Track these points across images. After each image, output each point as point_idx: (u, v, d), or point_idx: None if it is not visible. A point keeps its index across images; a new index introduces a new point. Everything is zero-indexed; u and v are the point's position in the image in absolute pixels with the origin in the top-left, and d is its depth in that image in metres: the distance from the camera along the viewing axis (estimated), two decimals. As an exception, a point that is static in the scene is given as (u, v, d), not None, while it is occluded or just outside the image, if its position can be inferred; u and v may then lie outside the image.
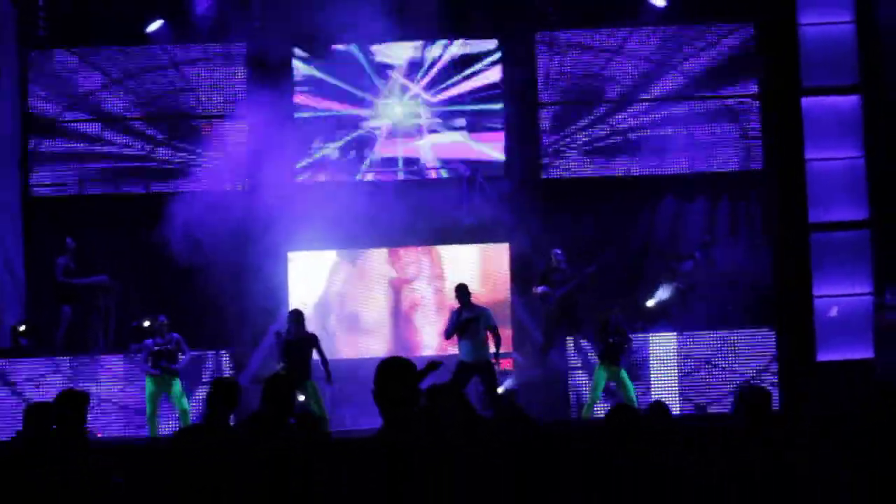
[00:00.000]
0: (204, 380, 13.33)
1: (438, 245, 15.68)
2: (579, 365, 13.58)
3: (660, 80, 15.76)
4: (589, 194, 15.70)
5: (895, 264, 12.78)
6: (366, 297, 15.74)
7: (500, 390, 12.86)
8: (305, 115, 15.99)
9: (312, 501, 5.45)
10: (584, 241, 15.01)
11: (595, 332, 13.01)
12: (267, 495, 5.44)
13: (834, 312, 12.55)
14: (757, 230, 15.22)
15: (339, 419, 13.11)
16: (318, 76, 16.05)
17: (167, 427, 12.74)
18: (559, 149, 15.92)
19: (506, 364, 14.43)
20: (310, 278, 15.59)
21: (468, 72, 16.11)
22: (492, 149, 16.05)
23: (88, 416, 6.52)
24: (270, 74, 15.46)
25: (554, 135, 15.91)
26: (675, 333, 13.68)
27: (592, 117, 15.93)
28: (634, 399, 12.41)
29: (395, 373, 4.48)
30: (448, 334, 12.36)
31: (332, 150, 16.00)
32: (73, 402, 6.28)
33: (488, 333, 12.21)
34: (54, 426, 6.17)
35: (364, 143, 16.09)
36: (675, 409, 12.84)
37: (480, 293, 14.64)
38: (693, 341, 13.61)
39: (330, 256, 15.77)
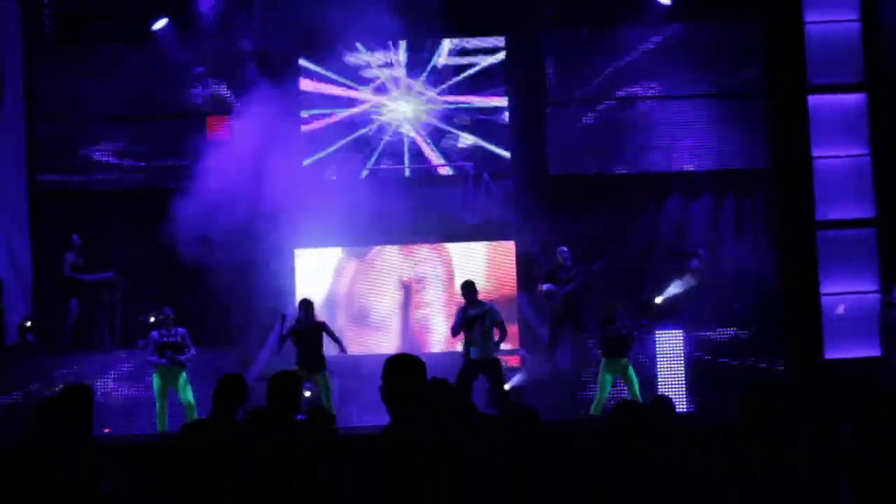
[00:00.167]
0: (210, 376, 13.31)
1: (444, 242, 15.70)
2: (585, 363, 13.58)
3: (665, 78, 15.75)
4: (595, 192, 15.70)
5: (901, 262, 12.78)
6: (373, 294, 15.77)
7: (507, 387, 12.85)
8: (311, 112, 16.01)
9: (317, 498, 5.45)
10: (590, 239, 14.99)
11: (600, 322, 12.91)
12: (271, 491, 5.45)
13: (841, 310, 12.52)
14: (762, 228, 15.21)
15: (346, 416, 13.11)
16: (323, 73, 16.06)
17: (175, 424, 12.74)
18: (565, 147, 15.92)
19: (513, 361, 14.46)
20: (316, 275, 15.61)
21: (474, 70, 16.11)
22: (498, 146, 16.05)
23: (93, 412, 6.45)
24: (276, 72, 15.49)
25: (560, 132, 15.92)
26: (681, 331, 13.66)
27: (598, 115, 15.94)
28: (639, 395, 12.38)
29: (403, 369, 4.48)
30: (455, 331, 12.36)
31: (337, 147, 16.02)
32: (77, 398, 6.09)
33: (496, 330, 12.19)
34: (58, 424, 6.03)
35: (370, 141, 16.11)
36: (681, 407, 12.85)
37: (486, 290, 14.67)
38: (699, 339, 13.59)
39: (336, 253, 15.79)
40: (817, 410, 10.11)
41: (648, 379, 13.14)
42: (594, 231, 15.20)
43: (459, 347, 12.46)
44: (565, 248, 14.19)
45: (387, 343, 15.40)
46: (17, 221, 15.19)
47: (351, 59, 16.06)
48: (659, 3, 15.61)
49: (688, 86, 15.71)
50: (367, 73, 16.10)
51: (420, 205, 14.98)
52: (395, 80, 16.11)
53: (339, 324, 15.17)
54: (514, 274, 15.59)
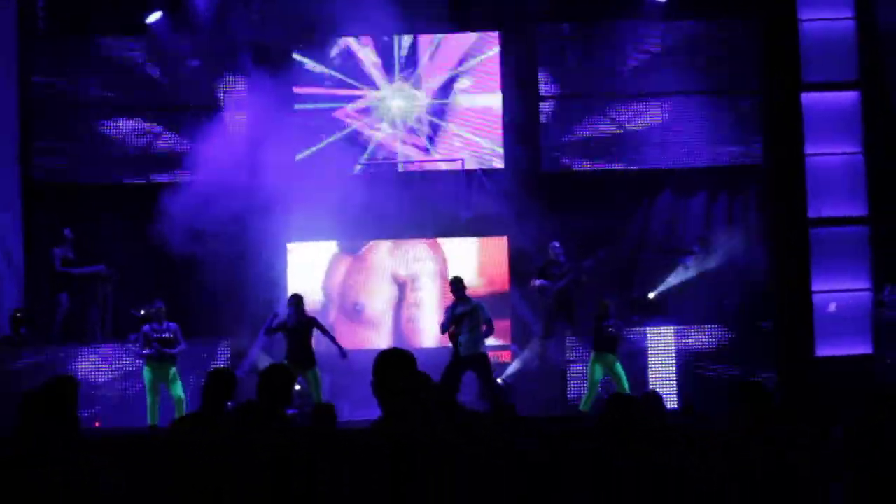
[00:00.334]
0: (201, 370, 13.31)
1: (437, 237, 15.69)
2: (576, 358, 13.61)
3: (660, 75, 15.74)
4: (588, 188, 15.72)
5: (894, 260, 12.79)
6: (365, 289, 15.76)
7: (499, 381, 12.87)
8: (305, 106, 15.99)
9: (309, 493, 5.44)
10: (583, 235, 15.00)
11: (593, 319, 12.95)
12: (262, 486, 5.43)
13: (833, 308, 12.53)
14: (755, 225, 15.22)
15: (337, 411, 13.03)
16: (317, 68, 16.04)
17: (166, 417, 12.72)
18: (558, 143, 15.92)
19: (504, 356, 14.48)
20: (309, 269, 15.59)
21: (468, 65, 16.10)
22: (491, 142, 16.04)
23: (79, 404, 6.37)
24: (270, 65, 15.46)
25: (553, 128, 15.92)
26: (672, 327, 13.69)
27: (592, 111, 15.94)
28: (628, 390, 12.41)
29: (394, 364, 4.47)
30: (444, 329, 12.37)
31: (331, 141, 16.00)
32: (62, 389, 5.75)
33: (484, 326, 12.20)
34: (43, 416, 5.89)
35: (363, 135, 16.09)
36: (671, 403, 12.88)
37: (479, 286, 14.67)
38: (691, 335, 13.61)
39: (329, 247, 15.77)
40: (808, 409, 10.13)
41: (637, 373, 13.18)
42: (587, 227, 15.19)
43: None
44: (557, 244, 14.20)
45: (378, 338, 15.39)
46: (10, 212, 15.15)
47: (345, 53, 16.03)
48: (653, 1, 15.61)
49: (682, 83, 15.70)
50: (361, 68, 16.08)
51: (413, 200, 14.95)
52: (389, 75, 16.09)
53: (331, 318, 15.16)
54: (507, 269, 15.59)
